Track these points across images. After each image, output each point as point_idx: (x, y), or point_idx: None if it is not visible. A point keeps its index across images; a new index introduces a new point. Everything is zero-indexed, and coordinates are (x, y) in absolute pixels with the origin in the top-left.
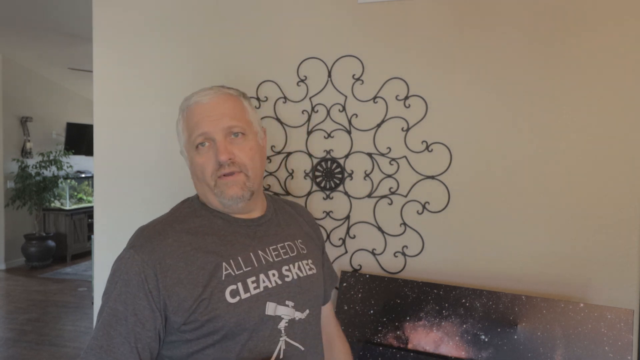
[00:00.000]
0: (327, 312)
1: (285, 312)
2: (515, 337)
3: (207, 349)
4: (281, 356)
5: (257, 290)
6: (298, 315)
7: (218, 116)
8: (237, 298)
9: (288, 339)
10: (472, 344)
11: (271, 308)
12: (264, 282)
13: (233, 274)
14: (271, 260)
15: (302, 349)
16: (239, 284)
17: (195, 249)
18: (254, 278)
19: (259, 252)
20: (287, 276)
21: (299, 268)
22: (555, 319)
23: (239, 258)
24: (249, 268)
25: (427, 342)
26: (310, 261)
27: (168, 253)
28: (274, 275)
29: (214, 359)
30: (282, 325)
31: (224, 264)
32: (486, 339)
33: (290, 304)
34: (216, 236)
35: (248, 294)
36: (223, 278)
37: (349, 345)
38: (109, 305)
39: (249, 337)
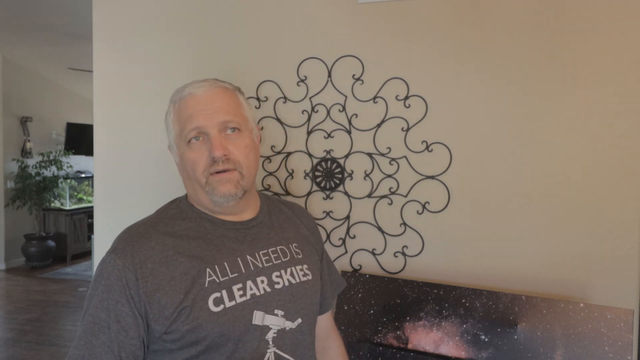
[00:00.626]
0: (325, 322)
1: (274, 321)
2: (515, 337)
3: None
4: None
5: (244, 298)
6: (288, 325)
7: (213, 110)
8: (221, 307)
9: (277, 351)
10: (472, 344)
11: (259, 317)
12: (251, 289)
13: (217, 280)
14: (260, 265)
15: None
16: (224, 292)
17: (179, 254)
18: (240, 285)
19: (248, 257)
20: (278, 283)
21: (292, 274)
22: (555, 319)
23: (225, 263)
24: (235, 274)
25: (427, 342)
26: (305, 266)
27: (150, 257)
28: (262, 282)
29: None
30: (270, 335)
31: (207, 270)
32: (486, 339)
33: (280, 313)
34: (202, 240)
35: (233, 302)
36: (206, 285)
37: None
38: (90, 313)
39: (234, 349)
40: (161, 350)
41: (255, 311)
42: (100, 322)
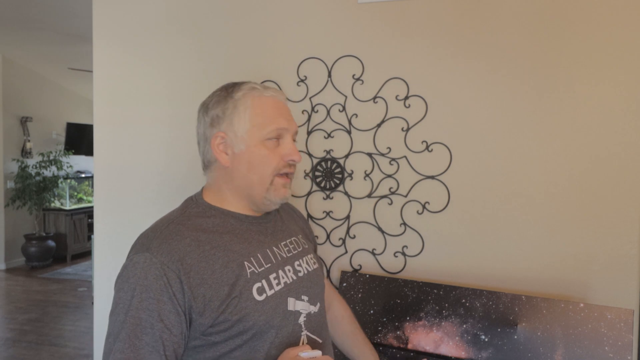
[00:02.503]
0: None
1: (302, 306)
2: (515, 337)
3: (234, 351)
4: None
5: (279, 287)
6: (312, 309)
7: (291, 117)
8: (264, 295)
9: (308, 333)
10: (472, 344)
11: (291, 303)
12: (283, 278)
13: (256, 271)
14: (285, 256)
15: (320, 341)
16: (264, 281)
17: (215, 248)
18: (274, 274)
19: (274, 248)
20: (300, 271)
21: (307, 263)
22: (555, 319)
23: (258, 255)
24: (269, 265)
25: (427, 342)
26: (312, 256)
27: (188, 253)
28: (289, 270)
29: None
30: (301, 319)
31: (245, 262)
32: (486, 339)
33: (305, 298)
34: (232, 234)
35: (272, 291)
36: (249, 276)
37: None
38: (131, 315)
39: (276, 335)
40: (202, 345)
41: (288, 298)
42: (142, 322)
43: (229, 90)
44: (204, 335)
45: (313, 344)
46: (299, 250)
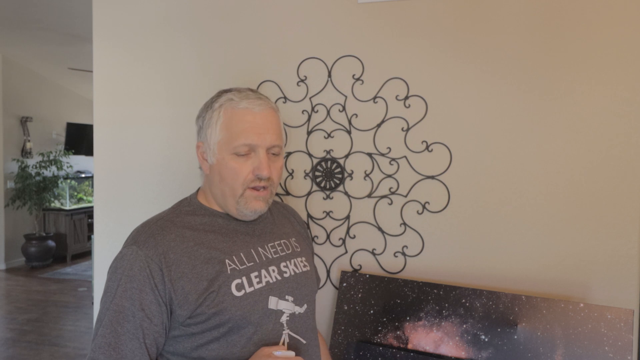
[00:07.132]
0: None
1: (286, 306)
2: (515, 337)
3: (211, 343)
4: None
5: (260, 285)
6: (297, 309)
7: (265, 130)
8: (243, 292)
9: (290, 332)
10: (472, 344)
11: (273, 302)
12: (265, 277)
13: (237, 268)
14: (270, 256)
15: (304, 342)
16: (244, 278)
17: (198, 245)
18: (256, 273)
19: (259, 248)
20: (285, 272)
21: (295, 265)
22: (555, 319)
23: (241, 254)
24: (252, 263)
25: (427, 342)
26: (303, 259)
27: (171, 248)
28: (273, 271)
29: (218, 354)
30: (284, 319)
31: (227, 260)
32: (486, 339)
33: (290, 298)
34: (218, 233)
35: (252, 288)
36: (229, 272)
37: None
38: (115, 302)
39: (254, 331)
40: (182, 335)
41: (270, 296)
42: (125, 310)
43: (213, 99)
44: (183, 326)
45: (295, 344)
46: (288, 252)
